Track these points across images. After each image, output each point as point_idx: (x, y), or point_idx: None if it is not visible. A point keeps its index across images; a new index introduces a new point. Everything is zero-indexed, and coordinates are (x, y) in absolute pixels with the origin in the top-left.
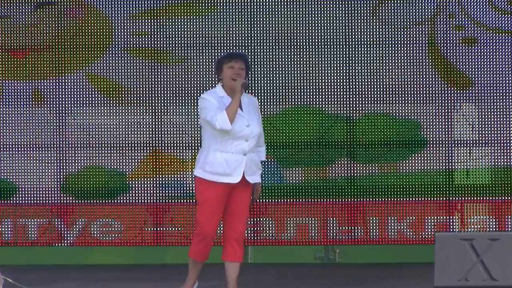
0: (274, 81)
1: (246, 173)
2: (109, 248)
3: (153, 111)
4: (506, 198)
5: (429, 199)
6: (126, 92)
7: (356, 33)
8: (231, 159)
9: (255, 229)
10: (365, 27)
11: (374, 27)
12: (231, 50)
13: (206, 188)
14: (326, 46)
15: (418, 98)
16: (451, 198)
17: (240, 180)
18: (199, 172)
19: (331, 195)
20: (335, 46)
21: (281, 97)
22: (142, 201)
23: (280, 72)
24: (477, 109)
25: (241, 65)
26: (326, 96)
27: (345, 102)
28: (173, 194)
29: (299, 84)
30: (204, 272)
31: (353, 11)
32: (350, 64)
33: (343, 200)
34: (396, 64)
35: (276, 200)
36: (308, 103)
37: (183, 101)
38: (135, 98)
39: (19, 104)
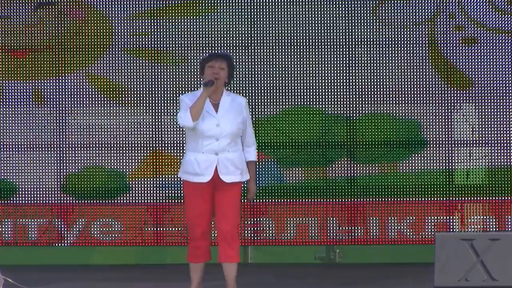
0: (274, 81)
1: (221, 172)
2: (109, 248)
3: (153, 111)
4: (506, 198)
5: (429, 199)
6: (126, 92)
7: (356, 33)
8: (202, 159)
9: (255, 229)
10: (365, 27)
11: (374, 27)
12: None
13: (186, 188)
14: (326, 46)
15: (418, 98)
16: (451, 198)
17: (216, 179)
18: (179, 173)
19: (331, 195)
20: (335, 46)
21: (281, 97)
22: (142, 201)
23: (280, 72)
24: (477, 109)
25: (221, 64)
26: (326, 96)
27: (345, 102)
28: (173, 194)
29: (299, 84)
30: (205, 272)
31: (353, 11)
32: (350, 64)
33: (343, 200)
34: (396, 64)
35: (276, 200)
36: (308, 103)
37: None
38: (135, 98)
39: (19, 104)
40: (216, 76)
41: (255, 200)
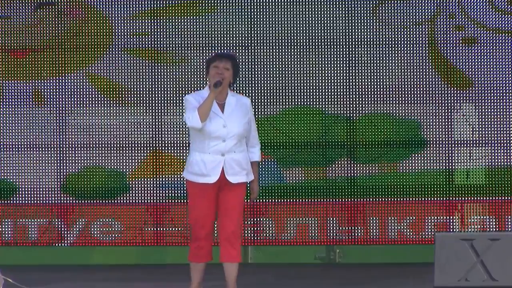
0: (274, 81)
1: (227, 173)
2: (109, 248)
3: (153, 111)
4: (506, 198)
5: (429, 199)
6: (126, 92)
7: (356, 33)
8: (208, 159)
9: (255, 229)
10: (365, 27)
11: (374, 27)
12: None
13: (191, 189)
14: (326, 46)
15: (418, 98)
16: (451, 198)
17: (222, 180)
18: (184, 173)
19: (331, 195)
20: (335, 46)
21: (281, 97)
22: (142, 201)
23: (280, 72)
24: (477, 109)
25: (225, 64)
26: (326, 96)
27: (345, 102)
28: (173, 194)
29: (299, 84)
30: (205, 272)
31: (353, 11)
32: (350, 64)
33: (343, 200)
34: (396, 64)
35: (276, 200)
36: (308, 103)
37: (183, 101)
38: (135, 98)
39: (19, 104)
40: (221, 76)
41: (255, 200)
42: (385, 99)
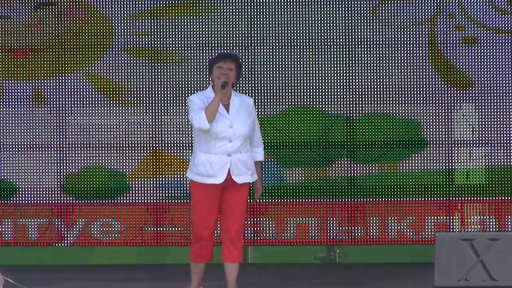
0: (274, 81)
1: (233, 173)
2: (109, 248)
3: (153, 111)
4: (506, 198)
5: (429, 199)
6: (126, 92)
7: (356, 33)
8: (214, 160)
9: (255, 229)
10: (365, 27)
11: (374, 27)
12: (231, 50)
13: (196, 189)
14: (326, 46)
15: (418, 98)
16: (451, 198)
17: (228, 180)
18: (188, 173)
19: (331, 195)
20: (335, 46)
21: (281, 97)
22: (142, 201)
23: (280, 72)
24: (477, 109)
25: (230, 65)
26: (326, 96)
27: (345, 102)
28: (173, 194)
29: (299, 84)
30: (205, 272)
31: (353, 11)
32: (350, 64)
33: (343, 200)
34: (396, 64)
35: (276, 200)
36: (308, 103)
37: (183, 101)
38: (135, 98)
39: (19, 104)
40: (226, 77)
41: (258, 200)
42: (385, 99)
